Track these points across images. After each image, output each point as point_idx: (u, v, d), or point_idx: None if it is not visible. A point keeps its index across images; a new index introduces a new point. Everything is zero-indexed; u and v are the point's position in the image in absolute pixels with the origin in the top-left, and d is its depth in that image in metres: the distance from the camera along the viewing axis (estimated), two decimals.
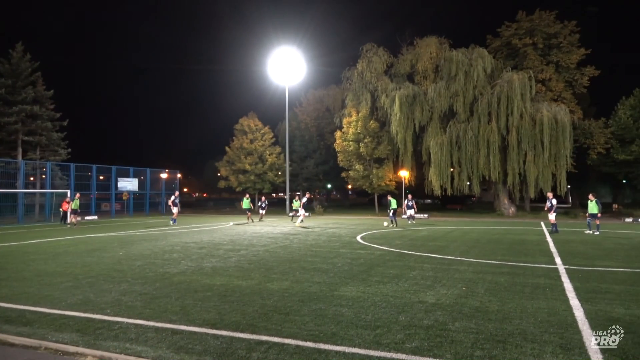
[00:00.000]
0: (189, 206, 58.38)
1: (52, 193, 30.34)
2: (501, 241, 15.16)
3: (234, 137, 45.77)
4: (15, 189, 29.24)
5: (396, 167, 37.89)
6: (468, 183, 34.13)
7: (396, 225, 21.92)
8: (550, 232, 17.68)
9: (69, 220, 23.88)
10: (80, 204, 24.86)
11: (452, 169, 33.92)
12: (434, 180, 33.56)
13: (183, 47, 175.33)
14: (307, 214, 23.35)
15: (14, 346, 4.75)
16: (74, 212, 24.07)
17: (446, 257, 11.17)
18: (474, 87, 32.76)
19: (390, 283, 7.84)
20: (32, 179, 33.85)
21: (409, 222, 24.89)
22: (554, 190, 31.73)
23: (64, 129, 35.82)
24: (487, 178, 33.22)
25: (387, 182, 37.31)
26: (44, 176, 33.31)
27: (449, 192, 34.08)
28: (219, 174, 48.00)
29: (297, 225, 22.52)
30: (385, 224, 22.29)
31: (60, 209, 26.85)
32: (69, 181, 32.13)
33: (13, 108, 32.00)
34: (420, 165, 37.27)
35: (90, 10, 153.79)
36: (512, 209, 34.83)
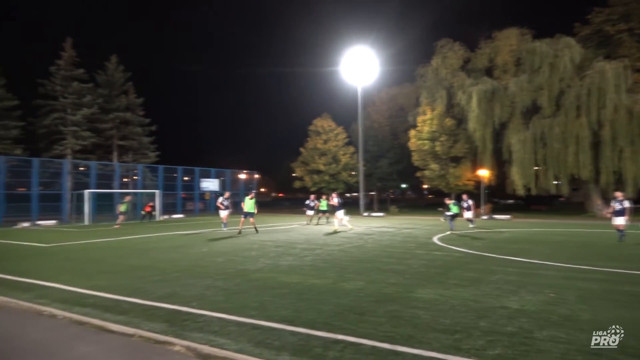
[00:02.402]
0: (266, 206, 60.32)
1: (142, 193, 32.80)
2: (593, 245, 14.00)
3: (308, 138, 46.58)
4: (112, 189, 32.00)
5: (474, 165, 36.42)
6: (555, 182, 31.90)
7: (453, 231, 18.87)
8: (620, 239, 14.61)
9: (119, 221, 24.10)
10: (129, 207, 24.50)
11: (536, 168, 31.90)
12: (517, 180, 31.74)
13: (258, 50, 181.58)
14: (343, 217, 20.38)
15: (113, 333, 5.19)
16: (122, 213, 24.00)
17: (531, 260, 10.52)
18: (560, 79, 30.53)
19: (469, 286, 7.54)
20: (125, 180, 36.83)
21: (470, 225, 21.72)
22: None
23: (152, 133, 38.66)
24: (576, 177, 30.86)
25: (465, 182, 36.00)
26: (135, 177, 36.11)
27: (533, 191, 32.08)
28: (294, 174, 49.10)
29: (336, 228, 20.36)
30: (442, 219, 20.53)
31: (143, 211, 28.64)
32: (157, 182, 34.56)
33: (109, 115, 35.09)
34: (500, 164, 35.47)
35: (163, 17, 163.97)
36: (605, 211, 32.01)
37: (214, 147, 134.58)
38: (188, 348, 4.63)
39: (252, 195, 18.73)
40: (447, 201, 19.60)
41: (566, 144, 29.94)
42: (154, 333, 5.09)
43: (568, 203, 48.16)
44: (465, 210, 21.06)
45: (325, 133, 45.74)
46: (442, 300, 6.54)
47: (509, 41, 34.06)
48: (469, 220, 21.47)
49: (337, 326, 5.29)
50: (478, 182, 36.01)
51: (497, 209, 40.75)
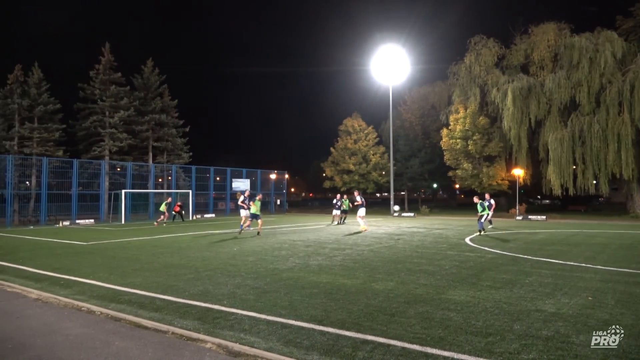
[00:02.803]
0: (296, 205, 60.69)
1: (176, 193, 33.57)
2: (635, 247, 13.40)
3: (338, 138, 46.56)
4: (147, 189, 32.90)
5: (509, 165, 35.53)
6: (594, 182, 30.73)
7: (484, 232, 18.01)
8: None
9: (162, 218, 25.07)
10: (169, 206, 25.97)
11: (574, 167, 30.82)
12: (553, 179, 30.76)
13: (288, 49, 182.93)
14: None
15: (147, 329, 5.33)
16: (162, 212, 25.19)
17: (568, 262, 10.17)
18: (601, 75, 29.36)
19: (503, 289, 7.36)
20: (160, 180, 37.76)
21: (489, 226, 20.81)
22: None
23: (186, 134, 39.53)
24: (617, 176, 29.63)
25: (499, 182, 35.14)
26: (169, 177, 37.01)
27: (570, 191, 31.03)
28: (324, 174, 49.16)
29: (364, 228, 19.51)
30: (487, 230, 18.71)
31: (173, 212, 28.50)
32: (190, 182, 35.30)
33: (145, 117, 36.03)
34: (536, 163, 34.46)
35: (195, 20, 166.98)
36: None
37: (245, 147, 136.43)
38: (219, 345, 4.71)
39: (260, 196, 18.45)
40: (477, 200, 18.40)
41: (607, 142, 28.82)
42: (187, 330, 5.21)
43: (608, 203, 46.31)
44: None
45: (356, 133, 45.61)
46: (474, 302, 6.41)
47: (546, 36, 32.95)
48: (489, 220, 20.53)
49: (367, 327, 5.27)
50: (513, 182, 35.10)
51: (533, 210, 39.61)
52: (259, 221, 17.71)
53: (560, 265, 9.87)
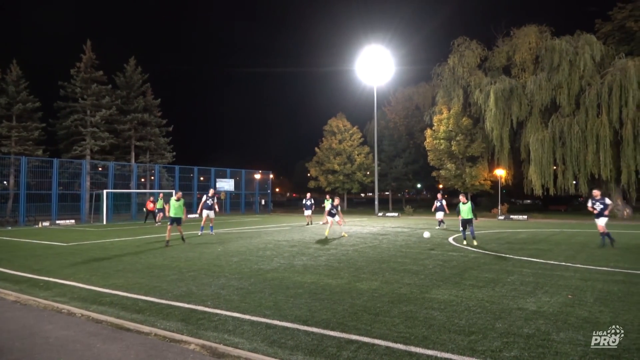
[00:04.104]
0: (281, 205, 60.53)
1: (159, 193, 33.19)
2: (614, 246, 13.67)
3: (323, 138, 46.60)
4: (130, 189, 32.46)
5: (491, 165, 36.03)
6: (574, 182, 31.33)
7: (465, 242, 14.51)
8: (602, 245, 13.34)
9: (157, 219, 25.02)
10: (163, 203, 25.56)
11: (555, 167, 31.39)
12: (534, 179, 31.29)
13: (273, 50, 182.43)
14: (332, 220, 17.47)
15: (130, 331, 5.26)
16: (160, 210, 24.97)
17: (549, 261, 10.35)
18: (580, 77, 29.96)
19: (485, 287, 7.45)
20: (142, 180, 37.30)
21: (439, 226, 20.77)
22: None
23: (169, 134, 39.14)
24: (596, 176, 30.26)
25: (482, 182, 35.61)
26: (152, 177, 36.57)
27: (551, 191, 31.60)
28: (308, 174, 49.15)
29: (326, 233, 17.52)
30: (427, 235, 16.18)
31: (145, 209, 27.35)
32: (173, 182, 34.94)
33: (127, 116, 35.58)
34: (518, 164, 35.01)
35: (179, 18, 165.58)
36: (626, 211, 31.30)
37: (230, 147, 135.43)
38: (203, 347, 4.67)
39: (179, 196, 14.75)
40: (463, 199, 14.96)
41: (586, 143, 29.40)
42: (170, 332, 5.15)
43: (587, 203, 47.24)
44: (437, 211, 21.02)
45: (340, 133, 45.72)
46: (457, 301, 6.48)
47: (528, 39, 33.54)
48: (440, 221, 21.08)
49: (351, 326, 5.28)
50: (495, 182, 35.61)
51: (514, 209, 40.21)
52: (178, 227, 14.59)
53: (542, 264, 10.03)
